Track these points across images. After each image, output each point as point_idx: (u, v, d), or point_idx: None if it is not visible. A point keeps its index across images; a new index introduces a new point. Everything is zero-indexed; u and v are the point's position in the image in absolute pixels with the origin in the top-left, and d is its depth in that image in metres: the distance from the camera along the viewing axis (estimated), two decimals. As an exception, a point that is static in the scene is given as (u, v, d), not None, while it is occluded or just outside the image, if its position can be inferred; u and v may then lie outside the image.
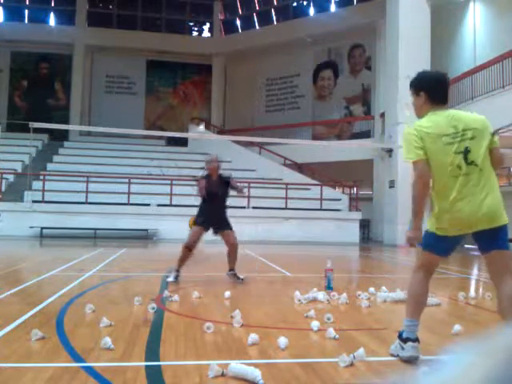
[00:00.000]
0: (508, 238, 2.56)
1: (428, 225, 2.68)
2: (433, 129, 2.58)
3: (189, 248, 5.78)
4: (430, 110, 2.68)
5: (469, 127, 2.55)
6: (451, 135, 2.54)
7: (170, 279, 5.69)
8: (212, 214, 5.84)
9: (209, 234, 6.02)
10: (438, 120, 2.61)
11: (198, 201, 6.01)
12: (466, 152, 2.52)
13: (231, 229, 5.99)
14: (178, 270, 5.78)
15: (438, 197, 2.59)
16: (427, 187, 2.59)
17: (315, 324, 3.30)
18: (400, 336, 2.71)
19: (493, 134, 2.60)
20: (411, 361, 2.62)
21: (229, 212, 6.07)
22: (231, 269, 6.05)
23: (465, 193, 2.49)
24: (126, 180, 16.57)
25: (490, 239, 2.54)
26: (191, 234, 5.89)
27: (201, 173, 6.16)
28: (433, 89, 2.70)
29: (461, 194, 2.50)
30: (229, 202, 6.09)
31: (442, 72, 2.82)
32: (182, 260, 5.79)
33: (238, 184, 6.15)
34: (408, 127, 2.71)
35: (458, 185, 2.51)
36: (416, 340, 2.63)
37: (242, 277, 5.95)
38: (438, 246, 2.66)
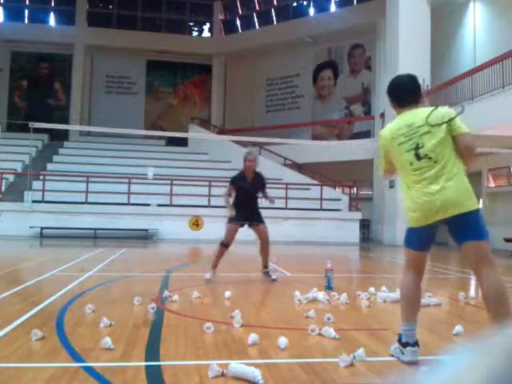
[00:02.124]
0: (481, 226, 2.55)
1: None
2: (388, 133, 2.77)
3: (225, 245, 5.96)
4: (398, 112, 2.82)
5: (423, 122, 2.63)
6: (404, 135, 2.67)
7: (207, 277, 5.77)
8: (245, 208, 5.98)
9: (208, 235, 6.02)
10: (395, 123, 2.78)
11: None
12: (418, 148, 2.61)
13: (263, 223, 6.10)
14: (214, 267, 5.89)
15: (404, 193, 2.75)
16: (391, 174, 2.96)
17: (313, 328, 3.26)
18: (399, 340, 2.70)
19: (449, 121, 2.60)
20: (411, 364, 2.61)
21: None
22: (265, 266, 6.14)
23: (419, 186, 2.60)
24: (126, 180, 16.56)
25: (459, 230, 2.58)
26: (228, 232, 6.01)
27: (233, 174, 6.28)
28: (391, 93, 2.86)
29: (416, 187, 2.61)
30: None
31: (405, 75, 2.90)
32: (218, 257, 5.96)
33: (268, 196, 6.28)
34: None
35: (412, 180, 2.63)
36: (415, 344, 2.62)
37: (274, 277, 5.98)
38: (412, 239, 2.73)
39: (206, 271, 5.95)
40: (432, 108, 2.70)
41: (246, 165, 6.05)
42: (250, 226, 6.11)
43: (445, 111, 2.67)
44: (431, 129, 2.60)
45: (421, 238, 2.71)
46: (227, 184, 6.26)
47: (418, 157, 2.60)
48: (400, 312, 2.76)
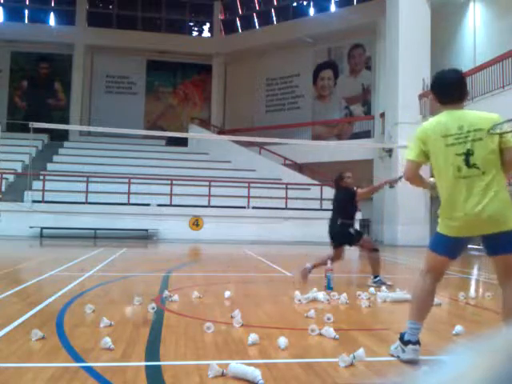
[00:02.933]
0: None
1: (438, 226, 2.67)
2: (435, 130, 2.57)
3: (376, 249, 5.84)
4: (442, 109, 2.66)
5: (475, 128, 2.48)
6: (454, 136, 2.50)
7: (308, 266, 5.77)
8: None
9: (208, 235, 6.01)
10: (443, 120, 2.58)
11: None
12: (468, 154, 2.46)
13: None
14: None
15: (442, 198, 2.59)
16: (416, 184, 2.77)
17: (313, 328, 3.26)
18: (401, 338, 2.69)
19: (492, 132, 2.48)
20: (412, 362, 2.61)
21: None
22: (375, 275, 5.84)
23: (466, 195, 2.45)
24: (126, 180, 16.56)
25: (496, 243, 2.50)
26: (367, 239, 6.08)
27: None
28: (438, 89, 2.70)
29: (462, 196, 2.46)
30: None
31: (451, 70, 2.77)
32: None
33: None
34: (420, 127, 2.75)
35: (458, 187, 2.48)
36: (417, 343, 2.62)
37: (389, 283, 5.68)
38: (444, 246, 2.62)
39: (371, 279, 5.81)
40: (491, 115, 2.56)
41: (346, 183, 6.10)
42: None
43: (492, 117, 2.55)
44: (482, 135, 2.47)
45: (454, 247, 2.63)
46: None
47: (468, 164, 2.45)
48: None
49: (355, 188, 6.03)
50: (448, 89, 2.67)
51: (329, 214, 6.17)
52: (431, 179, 2.81)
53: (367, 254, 5.87)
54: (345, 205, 5.92)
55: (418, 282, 2.76)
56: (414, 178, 2.69)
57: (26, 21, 25.40)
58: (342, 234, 5.84)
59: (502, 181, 2.50)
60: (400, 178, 4.76)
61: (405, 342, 2.64)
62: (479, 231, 2.49)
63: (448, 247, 2.62)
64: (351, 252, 13.14)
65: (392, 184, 6.25)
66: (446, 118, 2.58)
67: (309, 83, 24.39)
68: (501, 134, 2.47)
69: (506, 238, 2.46)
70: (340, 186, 6.06)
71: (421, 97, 15.05)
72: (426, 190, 2.90)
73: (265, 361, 2.64)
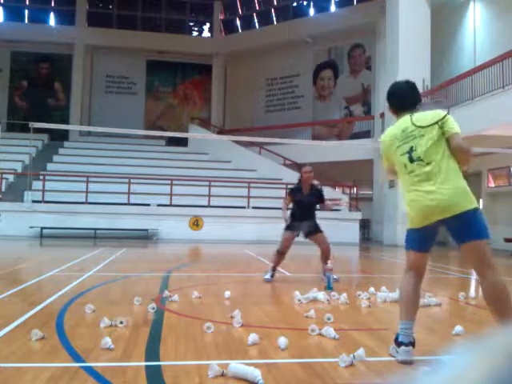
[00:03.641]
0: (480, 225, 2.56)
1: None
2: (386, 138, 2.87)
3: (282, 253, 6.06)
4: (397, 117, 2.91)
5: (417, 126, 2.69)
6: (399, 138, 2.75)
7: (267, 277, 5.94)
8: (301, 219, 6.08)
9: (208, 235, 6.03)
10: (391, 128, 2.88)
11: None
12: (411, 151, 2.68)
13: (321, 232, 6.18)
14: (274, 270, 6.06)
15: (403, 196, 2.81)
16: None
17: (313, 328, 3.26)
18: (396, 339, 2.72)
19: (441, 123, 2.65)
20: (406, 363, 2.62)
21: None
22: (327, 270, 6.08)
23: (414, 188, 2.66)
24: (126, 180, 16.56)
25: (457, 230, 2.60)
26: (283, 240, 6.09)
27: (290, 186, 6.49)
28: (390, 99, 2.97)
29: (411, 189, 2.68)
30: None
31: (401, 82, 2.97)
32: (277, 263, 6.09)
33: (328, 203, 6.44)
34: None
35: (408, 182, 2.71)
36: (409, 344, 2.63)
37: (335, 277, 5.94)
38: (413, 240, 2.77)
39: (267, 271, 6.10)
40: (434, 112, 2.75)
41: (303, 177, 6.13)
42: (306, 237, 6.19)
43: (433, 113, 2.74)
44: (423, 131, 2.66)
45: (420, 239, 2.75)
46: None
47: (411, 160, 2.67)
48: (399, 311, 2.77)
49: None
50: (395, 98, 2.93)
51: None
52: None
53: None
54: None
55: (402, 281, 2.84)
56: (392, 177, 3.04)
57: (26, 21, 25.39)
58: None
59: (450, 168, 2.62)
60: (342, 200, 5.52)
61: (398, 344, 2.67)
62: (433, 218, 2.61)
63: (416, 240, 2.76)
64: (351, 252, 13.16)
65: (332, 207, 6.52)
66: (396, 126, 2.85)
67: (309, 83, 24.39)
68: (442, 123, 2.65)
69: (464, 222, 2.55)
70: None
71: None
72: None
73: (265, 361, 2.64)
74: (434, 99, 3.01)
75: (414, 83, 2.95)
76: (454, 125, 2.66)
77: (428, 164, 2.62)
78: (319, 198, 6.21)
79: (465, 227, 2.56)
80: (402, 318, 2.71)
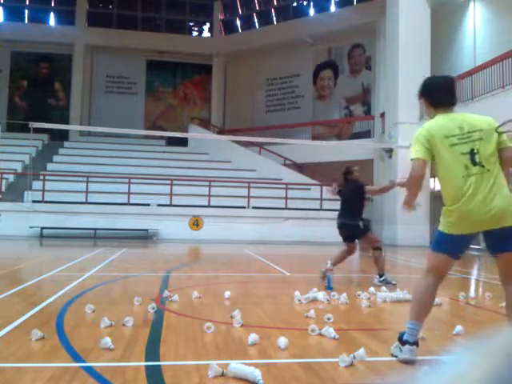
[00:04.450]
0: None
1: (440, 225, 2.69)
2: (437, 130, 2.63)
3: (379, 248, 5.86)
4: (435, 113, 2.75)
5: (475, 128, 2.58)
6: (457, 136, 2.58)
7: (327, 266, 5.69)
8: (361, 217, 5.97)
9: (208, 235, 6.01)
10: (442, 122, 2.66)
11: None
12: (473, 153, 2.55)
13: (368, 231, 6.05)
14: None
15: (447, 197, 2.63)
16: (419, 185, 2.69)
17: (313, 328, 3.26)
18: (400, 338, 2.70)
19: (500, 133, 2.59)
20: (408, 363, 2.62)
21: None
22: (380, 275, 5.87)
23: (473, 192, 2.51)
24: (126, 180, 16.56)
25: (500, 240, 2.54)
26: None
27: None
28: (430, 95, 2.78)
29: (469, 193, 2.52)
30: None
31: (442, 77, 2.86)
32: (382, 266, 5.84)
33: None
34: (420, 127, 2.78)
35: (465, 185, 2.53)
36: (414, 343, 2.62)
37: (394, 282, 5.70)
38: (448, 245, 2.64)
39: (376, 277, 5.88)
40: (486, 117, 2.68)
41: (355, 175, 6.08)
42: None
43: (484, 118, 2.67)
44: (481, 135, 2.57)
45: (459, 245, 2.66)
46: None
47: (474, 162, 2.54)
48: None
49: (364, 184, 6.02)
50: (441, 93, 2.76)
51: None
52: (419, 201, 2.87)
53: (371, 251, 5.89)
54: (356, 198, 5.91)
55: (419, 282, 2.77)
56: (421, 177, 2.67)
57: (26, 21, 25.39)
58: (353, 228, 5.82)
59: (503, 178, 2.58)
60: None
61: (403, 342, 2.65)
62: (484, 227, 2.53)
63: (451, 246, 2.64)
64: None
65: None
66: (444, 120, 2.67)
67: (309, 83, 24.39)
68: (500, 134, 2.58)
69: (510, 234, 2.50)
70: (349, 179, 6.05)
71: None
72: (421, 193, 2.88)
73: (265, 361, 2.64)
74: None
75: (454, 78, 2.89)
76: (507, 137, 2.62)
77: (488, 171, 2.52)
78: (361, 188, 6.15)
79: (509, 239, 2.52)
80: (412, 318, 2.67)
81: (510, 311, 2.57)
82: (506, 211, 2.49)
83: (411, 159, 2.69)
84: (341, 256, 5.94)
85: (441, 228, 2.66)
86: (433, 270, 2.70)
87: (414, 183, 2.70)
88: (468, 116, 2.69)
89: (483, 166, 2.53)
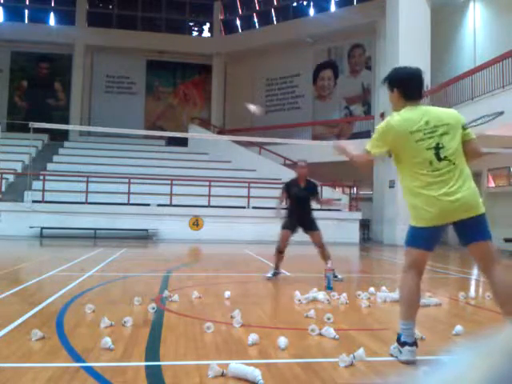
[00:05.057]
0: (488, 227, 2.62)
1: (410, 220, 2.74)
2: (403, 124, 2.64)
3: (280, 251, 6.12)
4: (404, 105, 2.74)
5: (441, 123, 2.61)
6: (423, 131, 2.60)
7: (269, 275, 6.00)
8: (298, 216, 6.13)
9: (208, 235, 6.03)
10: (409, 116, 2.66)
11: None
12: (438, 148, 2.58)
13: (317, 229, 6.22)
14: (277, 268, 6.13)
15: (414, 191, 2.65)
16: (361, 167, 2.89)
17: (313, 328, 3.27)
18: (398, 339, 2.70)
19: (464, 127, 2.66)
20: (408, 363, 2.62)
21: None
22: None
23: (439, 187, 2.56)
24: (126, 180, 16.56)
25: (470, 230, 2.61)
26: (281, 239, 6.15)
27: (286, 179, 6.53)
28: (405, 85, 2.76)
29: (435, 188, 2.57)
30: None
31: (415, 68, 2.83)
32: (277, 261, 6.17)
33: (325, 200, 6.61)
34: (383, 121, 2.79)
35: (432, 180, 2.58)
36: (413, 344, 2.63)
37: (340, 276, 6.01)
38: (420, 239, 2.69)
39: (269, 271, 6.18)
40: (453, 111, 2.73)
41: (299, 172, 6.20)
42: (305, 232, 6.29)
43: (452, 112, 2.72)
44: (447, 129, 2.60)
45: (431, 238, 2.70)
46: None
47: (439, 157, 2.57)
48: (399, 311, 2.76)
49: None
50: (415, 85, 2.76)
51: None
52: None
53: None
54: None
55: (402, 281, 2.79)
56: (364, 166, 2.89)
57: (26, 21, 25.39)
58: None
59: (468, 170, 2.65)
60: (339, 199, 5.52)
61: (401, 344, 2.65)
62: (453, 217, 2.59)
63: (424, 239, 2.69)
64: (351, 252, 13.16)
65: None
66: (411, 114, 2.66)
67: (309, 83, 24.39)
68: (465, 128, 2.66)
69: (478, 223, 2.58)
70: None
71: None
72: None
73: (265, 361, 2.64)
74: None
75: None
76: (471, 130, 2.69)
77: (454, 164, 2.58)
78: (314, 193, 6.26)
79: (479, 228, 2.60)
80: (404, 318, 2.68)
81: (501, 301, 2.58)
82: (471, 201, 2.55)
83: (366, 149, 2.77)
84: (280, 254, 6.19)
85: (413, 223, 2.70)
86: (411, 266, 2.74)
87: (359, 167, 2.92)
88: (434, 110, 2.71)
89: (449, 160, 2.57)
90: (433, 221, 2.60)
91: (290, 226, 6.09)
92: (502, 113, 2.79)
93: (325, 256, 6.16)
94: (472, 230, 2.60)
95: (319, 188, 6.47)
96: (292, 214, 6.15)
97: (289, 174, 19.64)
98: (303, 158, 7.08)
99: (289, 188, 6.15)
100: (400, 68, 2.86)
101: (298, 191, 6.09)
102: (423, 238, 2.69)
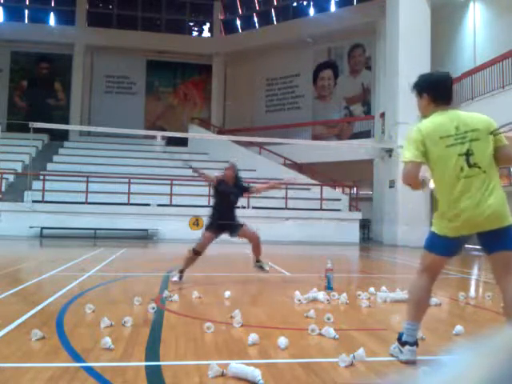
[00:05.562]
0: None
1: (433, 226, 2.67)
2: (434, 130, 2.57)
3: (198, 253, 5.77)
4: (433, 110, 2.68)
5: (471, 128, 2.54)
6: (453, 136, 2.53)
7: (175, 279, 5.69)
8: (222, 214, 5.89)
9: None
10: (440, 121, 2.60)
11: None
12: (469, 154, 2.50)
13: (242, 225, 5.97)
14: (182, 271, 5.75)
15: (441, 198, 2.59)
16: (412, 185, 2.64)
17: (313, 328, 3.27)
18: (399, 339, 2.70)
19: (495, 133, 2.56)
20: (409, 363, 2.62)
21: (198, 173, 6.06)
22: (257, 260, 6.09)
23: (468, 195, 2.48)
24: (126, 180, 16.56)
25: (494, 240, 2.52)
26: (203, 240, 5.83)
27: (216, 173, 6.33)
28: (435, 90, 2.69)
29: (464, 195, 2.48)
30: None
31: (444, 72, 2.80)
32: (188, 263, 5.80)
33: (263, 185, 6.35)
34: (413, 128, 2.71)
35: (460, 187, 2.49)
36: (414, 344, 2.62)
37: (267, 268, 6.01)
38: (441, 246, 2.62)
39: (174, 274, 5.85)
40: (483, 116, 2.64)
41: (224, 173, 6.03)
42: (232, 236, 5.98)
43: (482, 116, 2.63)
44: (478, 135, 2.52)
45: (452, 246, 2.63)
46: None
47: (469, 163, 2.50)
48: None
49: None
50: (445, 89, 2.70)
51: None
52: (425, 174, 2.80)
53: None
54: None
55: (414, 282, 2.76)
56: (415, 179, 2.62)
57: (26, 21, 25.39)
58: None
59: (498, 178, 2.56)
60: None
61: (402, 343, 2.65)
62: (480, 228, 2.51)
63: (446, 247, 2.62)
64: (351, 252, 13.17)
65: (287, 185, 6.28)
66: (442, 119, 2.61)
67: (309, 83, 24.39)
68: (497, 134, 2.55)
69: (504, 233, 2.49)
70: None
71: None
72: (424, 189, 2.85)
73: (265, 361, 2.64)
74: None
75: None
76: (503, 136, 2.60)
77: (484, 172, 2.48)
78: (243, 189, 6.09)
79: (505, 238, 2.51)
80: (410, 318, 2.67)
81: (510, 310, 2.56)
82: (500, 213, 2.46)
83: (404, 161, 2.62)
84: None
85: (434, 229, 2.63)
86: (426, 269, 2.69)
87: (412, 186, 2.64)
88: (465, 114, 2.63)
89: (479, 168, 2.49)
90: (457, 232, 2.54)
91: (214, 226, 5.81)
92: None
93: (258, 250, 5.98)
94: (496, 240, 2.51)
95: (250, 184, 6.27)
96: (217, 212, 5.90)
97: (289, 174, 19.67)
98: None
99: (219, 183, 5.95)
100: (427, 74, 2.84)
101: (225, 188, 5.90)
102: (443, 247, 2.62)
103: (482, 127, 2.55)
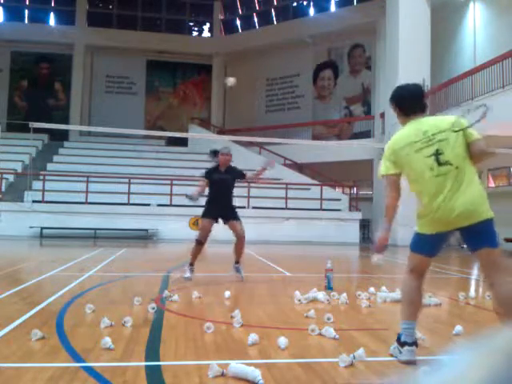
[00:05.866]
0: (495, 234, 2.58)
1: (417, 227, 2.78)
2: (401, 140, 2.74)
3: (201, 243, 5.91)
4: (407, 120, 2.82)
5: (439, 130, 2.64)
6: (420, 141, 2.66)
7: (187, 275, 5.79)
8: (218, 202, 5.91)
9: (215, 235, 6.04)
10: (407, 131, 2.75)
11: (201, 200, 6.09)
12: (438, 154, 2.61)
13: (238, 219, 5.98)
14: (192, 264, 5.92)
15: (418, 199, 2.72)
16: (396, 199, 2.85)
17: (313, 328, 3.27)
18: (398, 339, 2.71)
19: (463, 129, 2.63)
20: (409, 363, 2.62)
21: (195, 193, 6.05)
22: (237, 262, 6.14)
23: (440, 194, 2.57)
24: (126, 180, 16.56)
25: (476, 237, 2.58)
26: (202, 229, 5.96)
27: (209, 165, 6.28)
28: (403, 103, 2.84)
29: (436, 195, 2.58)
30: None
31: (414, 85, 2.90)
32: (195, 254, 5.95)
33: (255, 172, 6.16)
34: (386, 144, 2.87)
35: (433, 187, 2.60)
36: (413, 344, 2.63)
37: (242, 275, 5.99)
38: (423, 245, 2.74)
39: (185, 270, 5.96)
40: (448, 117, 2.74)
41: (219, 158, 5.98)
42: (225, 222, 6.03)
43: (451, 117, 2.71)
44: (446, 135, 2.61)
45: (434, 244, 2.72)
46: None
47: (439, 162, 2.59)
48: (400, 311, 2.77)
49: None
50: (413, 101, 2.82)
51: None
52: (380, 262, 3.09)
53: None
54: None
55: (404, 282, 2.83)
56: (397, 191, 2.82)
57: (26, 21, 25.40)
58: None
59: (473, 173, 2.63)
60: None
61: (401, 344, 2.66)
62: (454, 226, 2.59)
63: (428, 245, 2.73)
64: (351, 252, 13.16)
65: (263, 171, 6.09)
66: (409, 128, 2.75)
67: (309, 83, 24.39)
68: (463, 130, 2.63)
69: (484, 229, 2.55)
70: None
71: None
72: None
73: (265, 361, 2.64)
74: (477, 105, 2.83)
75: (421, 85, 2.96)
76: (474, 130, 2.66)
77: (457, 168, 2.57)
78: (239, 175, 6.04)
79: (484, 235, 2.56)
80: (405, 318, 2.70)
81: (503, 311, 2.58)
82: (471, 210, 2.52)
83: (382, 176, 2.83)
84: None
85: (418, 230, 2.76)
86: (414, 269, 2.78)
87: (391, 199, 2.85)
88: (435, 119, 2.76)
89: (450, 164, 2.57)
90: (435, 228, 2.63)
91: (210, 213, 5.85)
92: (484, 105, 2.78)
93: (240, 250, 6.00)
94: (477, 236, 2.57)
95: (244, 171, 6.19)
96: (212, 200, 5.91)
97: (289, 174, 19.69)
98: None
99: (210, 175, 5.92)
100: (399, 86, 2.94)
101: (219, 175, 5.87)
102: (426, 244, 2.72)
103: (448, 127, 2.64)
